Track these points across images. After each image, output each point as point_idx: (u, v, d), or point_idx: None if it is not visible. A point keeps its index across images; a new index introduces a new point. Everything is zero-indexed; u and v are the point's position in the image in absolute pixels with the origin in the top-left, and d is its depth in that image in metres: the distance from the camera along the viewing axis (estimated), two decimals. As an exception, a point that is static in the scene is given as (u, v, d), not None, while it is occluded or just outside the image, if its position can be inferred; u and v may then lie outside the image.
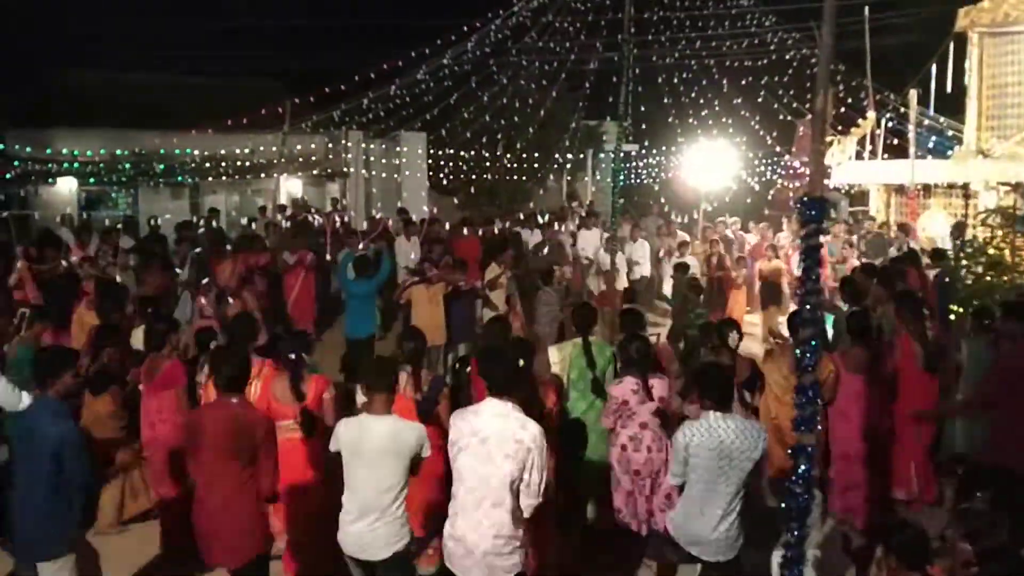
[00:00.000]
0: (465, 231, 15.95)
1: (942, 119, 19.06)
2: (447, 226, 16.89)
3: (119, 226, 15.62)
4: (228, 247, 12.54)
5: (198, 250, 12.95)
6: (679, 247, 15.34)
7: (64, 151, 20.52)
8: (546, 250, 15.02)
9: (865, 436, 6.97)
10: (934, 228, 15.94)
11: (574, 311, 8.00)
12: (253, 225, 16.99)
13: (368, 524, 4.82)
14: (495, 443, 4.56)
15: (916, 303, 7.70)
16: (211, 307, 9.53)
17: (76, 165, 20.14)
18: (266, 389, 6.29)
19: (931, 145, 19.25)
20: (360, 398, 5.91)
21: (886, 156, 18.82)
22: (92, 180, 20.32)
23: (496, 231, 16.85)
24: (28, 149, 20.02)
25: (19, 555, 5.27)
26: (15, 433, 5.30)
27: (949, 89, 17.28)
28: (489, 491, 4.56)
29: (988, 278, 11.12)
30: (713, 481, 4.94)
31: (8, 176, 17.97)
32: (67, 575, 5.03)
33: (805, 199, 4.35)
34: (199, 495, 5.11)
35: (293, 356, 6.25)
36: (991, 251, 11.64)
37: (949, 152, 17.89)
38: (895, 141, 19.13)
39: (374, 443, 4.80)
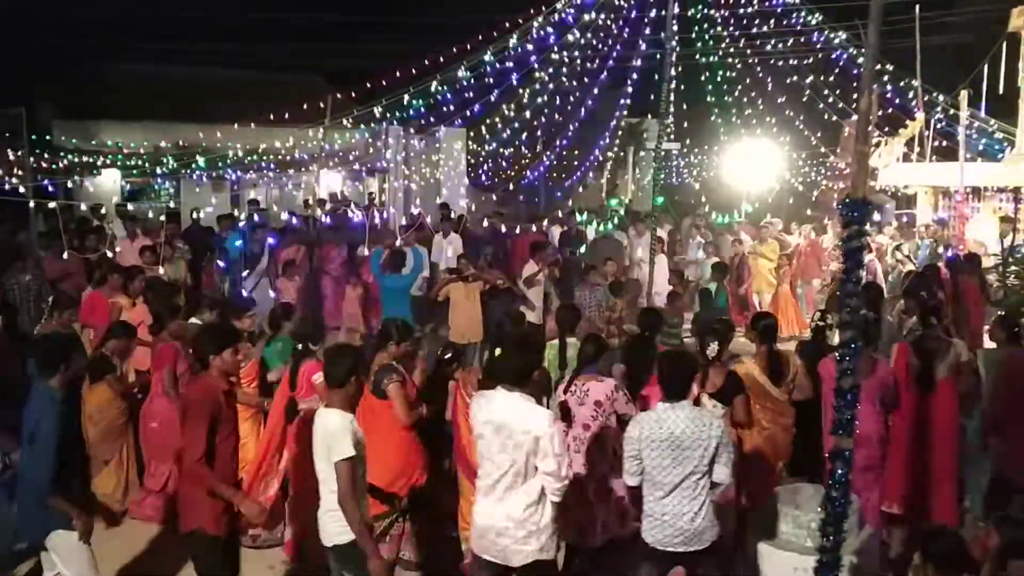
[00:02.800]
0: (518, 229, 15.91)
1: (993, 121, 18.66)
2: (485, 223, 16.88)
3: (162, 218, 15.82)
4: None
5: (271, 241, 13.30)
6: (705, 248, 15.28)
7: (109, 143, 20.87)
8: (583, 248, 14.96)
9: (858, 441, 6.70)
10: (983, 233, 15.61)
11: (556, 311, 8.02)
12: (294, 219, 17.12)
13: None
14: (506, 432, 4.72)
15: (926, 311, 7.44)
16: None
17: (120, 157, 20.45)
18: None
19: (981, 147, 18.86)
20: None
21: (935, 158, 18.47)
22: (136, 172, 20.62)
23: (534, 229, 16.78)
24: (74, 141, 20.38)
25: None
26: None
27: (1001, 90, 16.90)
28: (503, 477, 4.75)
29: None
30: (669, 470, 4.87)
31: (55, 168, 18.26)
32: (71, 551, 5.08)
33: (847, 200, 4.29)
34: None
35: (300, 347, 6.69)
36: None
37: (1000, 155, 17.51)
38: (944, 143, 18.77)
39: None
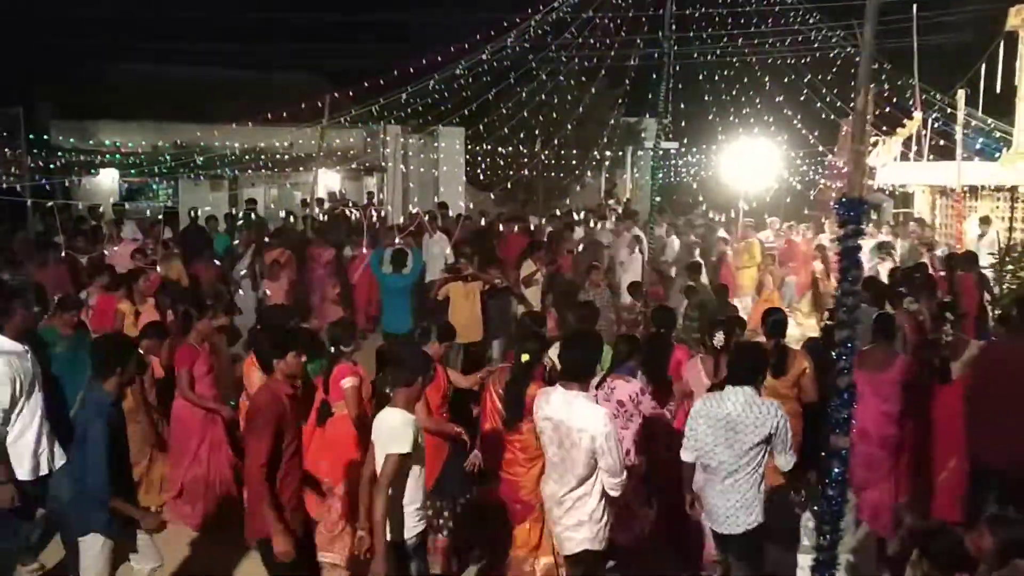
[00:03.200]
0: (516, 228, 15.92)
1: (990, 120, 18.66)
2: (483, 221, 16.89)
3: (160, 217, 15.83)
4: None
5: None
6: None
7: (107, 143, 20.86)
8: (580, 248, 14.95)
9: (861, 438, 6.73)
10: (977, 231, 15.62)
11: (577, 308, 8.07)
12: (291, 219, 17.12)
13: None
14: (563, 429, 4.93)
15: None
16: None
17: (118, 157, 20.44)
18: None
19: (979, 147, 18.86)
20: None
21: (932, 157, 18.47)
22: (133, 172, 20.62)
23: (532, 228, 16.80)
24: (72, 140, 20.37)
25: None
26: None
27: (999, 90, 16.89)
28: (564, 471, 5.00)
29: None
30: (722, 450, 5.07)
31: (52, 167, 18.26)
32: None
33: (844, 200, 4.30)
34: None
35: (332, 349, 6.56)
36: (1038, 255, 11.38)
37: (997, 154, 17.50)
38: (942, 142, 18.76)
39: None
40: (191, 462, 7.19)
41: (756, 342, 6.82)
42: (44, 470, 5.56)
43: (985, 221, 14.65)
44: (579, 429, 4.82)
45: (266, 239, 13.96)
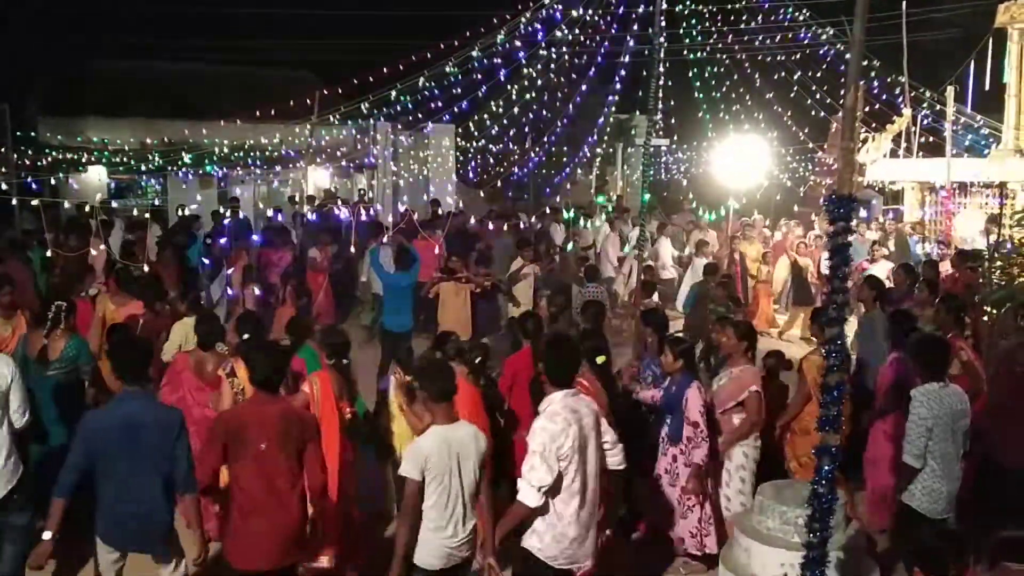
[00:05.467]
0: (506, 226, 15.88)
1: (979, 117, 18.72)
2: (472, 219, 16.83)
3: (147, 215, 15.74)
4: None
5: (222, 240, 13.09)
6: (697, 246, 15.26)
7: (95, 140, 20.74)
8: (571, 245, 14.95)
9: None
10: (967, 228, 15.66)
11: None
12: (280, 216, 17.04)
13: None
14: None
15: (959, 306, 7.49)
16: None
17: (106, 154, 20.33)
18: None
19: (967, 143, 18.92)
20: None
21: (922, 154, 18.53)
22: (122, 169, 20.51)
23: (521, 225, 16.76)
24: (59, 138, 20.25)
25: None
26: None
27: (987, 86, 16.95)
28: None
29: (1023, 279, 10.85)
30: (945, 444, 5.47)
31: (40, 164, 18.15)
32: None
33: (833, 196, 4.27)
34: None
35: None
36: (1027, 252, 11.35)
37: (986, 151, 17.57)
38: (931, 139, 18.82)
39: None
40: None
41: (939, 336, 6.86)
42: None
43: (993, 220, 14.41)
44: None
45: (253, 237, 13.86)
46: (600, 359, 6.18)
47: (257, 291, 11.52)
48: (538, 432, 4.64)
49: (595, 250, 15.57)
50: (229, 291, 12.13)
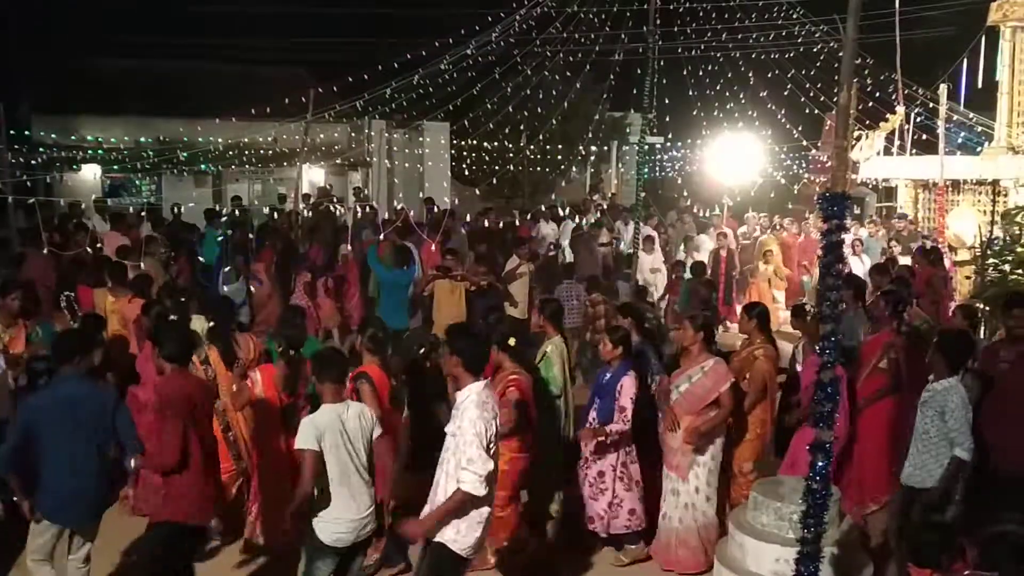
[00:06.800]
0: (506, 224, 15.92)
1: (972, 115, 18.75)
2: (468, 217, 16.85)
3: (143, 214, 15.73)
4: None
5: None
6: (684, 243, 15.33)
7: (89, 138, 20.69)
8: (566, 243, 14.96)
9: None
10: (960, 226, 15.70)
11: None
12: (275, 215, 17.02)
13: None
14: None
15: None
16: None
17: (100, 152, 20.29)
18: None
19: (960, 141, 18.95)
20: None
21: (915, 152, 18.56)
22: (116, 167, 20.46)
23: (516, 223, 16.79)
24: (53, 136, 20.20)
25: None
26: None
27: (980, 84, 16.99)
28: None
29: (1015, 276, 10.90)
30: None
31: (34, 163, 18.09)
32: None
33: (826, 194, 4.29)
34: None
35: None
36: (1020, 249, 11.41)
37: (979, 148, 17.60)
38: (924, 136, 18.85)
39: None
40: None
41: (965, 331, 6.99)
42: None
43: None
44: None
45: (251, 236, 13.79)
46: (511, 341, 6.31)
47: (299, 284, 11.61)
48: (475, 422, 4.74)
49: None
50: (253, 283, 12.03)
